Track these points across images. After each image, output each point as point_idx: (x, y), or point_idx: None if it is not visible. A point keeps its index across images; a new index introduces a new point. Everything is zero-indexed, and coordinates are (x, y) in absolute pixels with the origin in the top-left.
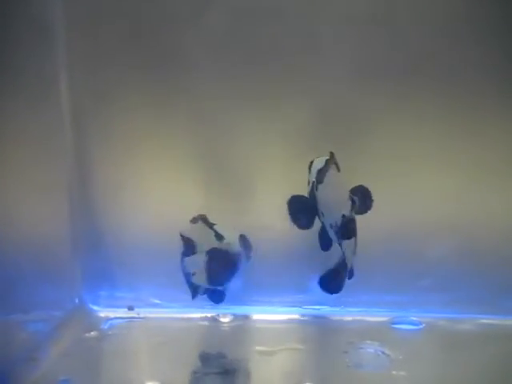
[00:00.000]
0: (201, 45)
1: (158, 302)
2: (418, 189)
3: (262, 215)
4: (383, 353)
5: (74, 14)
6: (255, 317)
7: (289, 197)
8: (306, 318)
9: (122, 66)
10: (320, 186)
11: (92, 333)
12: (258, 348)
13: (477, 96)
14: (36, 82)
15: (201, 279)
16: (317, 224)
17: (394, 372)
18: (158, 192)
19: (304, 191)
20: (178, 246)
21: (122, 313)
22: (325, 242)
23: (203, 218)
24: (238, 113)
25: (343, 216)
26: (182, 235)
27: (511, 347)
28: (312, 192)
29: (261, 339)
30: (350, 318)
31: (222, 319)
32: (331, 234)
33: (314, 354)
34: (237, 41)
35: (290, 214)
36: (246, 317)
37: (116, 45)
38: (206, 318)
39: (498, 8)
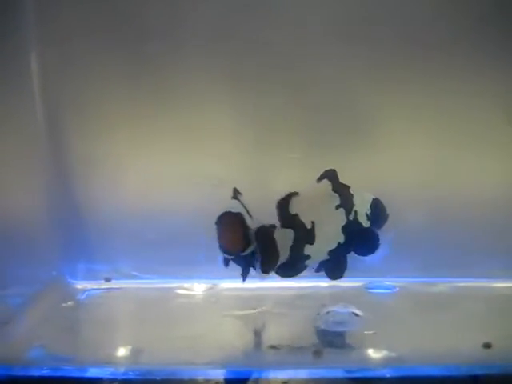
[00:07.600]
0: (170, 15)
1: (135, 273)
2: (392, 156)
3: None
4: (355, 314)
5: None
6: (230, 285)
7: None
8: (280, 285)
9: (94, 39)
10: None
11: (68, 303)
12: (232, 312)
13: (456, 64)
14: (6, 60)
15: None
16: None
17: (365, 332)
18: (135, 166)
19: None
20: (155, 219)
21: (99, 284)
22: None
23: None
24: (215, 88)
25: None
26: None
27: (483, 308)
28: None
29: (235, 305)
30: (324, 284)
31: (197, 287)
32: None
33: (286, 316)
34: (213, 16)
35: None
36: (221, 285)
37: (87, 17)
38: (181, 288)
39: None
